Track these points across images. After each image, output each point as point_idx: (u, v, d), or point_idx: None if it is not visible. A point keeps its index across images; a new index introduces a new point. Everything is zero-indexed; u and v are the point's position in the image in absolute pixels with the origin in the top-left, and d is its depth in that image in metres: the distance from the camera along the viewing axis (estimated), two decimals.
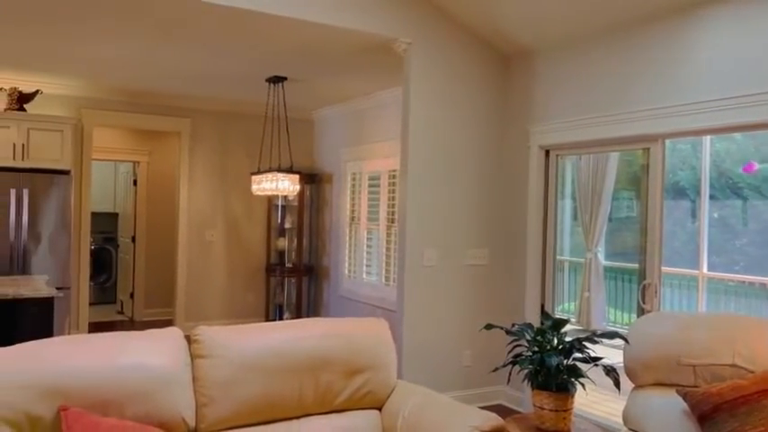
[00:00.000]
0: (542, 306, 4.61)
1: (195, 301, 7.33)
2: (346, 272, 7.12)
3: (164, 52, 5.07)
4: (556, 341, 2.51)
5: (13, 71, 5.90)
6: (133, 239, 8.11)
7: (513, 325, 2.72)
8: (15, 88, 5.95)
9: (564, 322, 2.50)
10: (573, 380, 2.45)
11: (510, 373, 2.70)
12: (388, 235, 6.32)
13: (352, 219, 7.06)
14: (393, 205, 6.27)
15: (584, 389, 2.59)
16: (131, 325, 7.78)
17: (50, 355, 2.10)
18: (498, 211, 4.92)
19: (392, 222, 6.27)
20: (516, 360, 2.54)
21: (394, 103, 6.25)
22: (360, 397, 2.61)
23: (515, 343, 2.69)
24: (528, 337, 2.54)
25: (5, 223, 5.70)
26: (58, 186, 5.91)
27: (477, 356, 4.82)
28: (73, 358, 2.11)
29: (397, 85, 6.00)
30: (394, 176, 6.25)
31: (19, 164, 5.79)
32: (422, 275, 4.56)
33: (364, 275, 6.77)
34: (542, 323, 2.60)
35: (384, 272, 6.38)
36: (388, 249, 6.33)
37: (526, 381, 2.55)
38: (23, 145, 5.82)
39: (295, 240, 7.47)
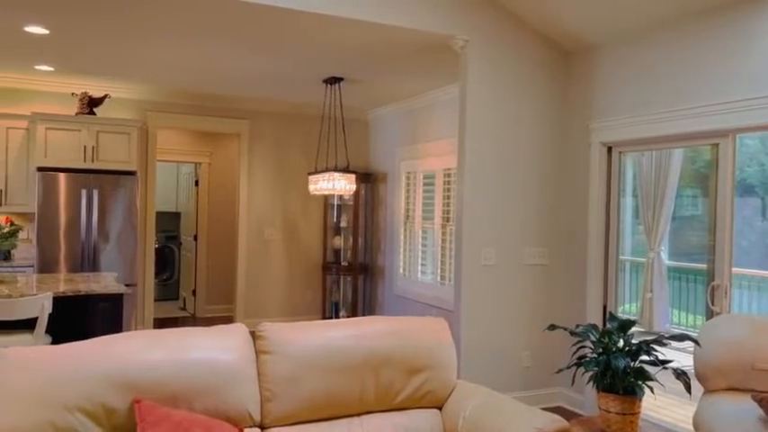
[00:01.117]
0: (605, 307, 4.49)
1: (254, 298, 7.49)
2: (401, 271, 7.13)
3: (225, 56, 5.20)
4: (622, 343, 2.45)
5: (84, 77, 6.17)
6: (195, 238, 8.35)
7: (577, 326, 2.66)
8: (86, 93, 6.22)
9: (631, 323, 2.43)
10: (640, 383, 2.38)
11: (574, 375, 2.65)
12: (443, 234, 6.29)
13: (407, 218, 7.06)
14: (448, 204, 6.24)
15: (653, 392, 2.51)
16: (193, 321, 8.02)
17: (124, 349, 2.18)
18: (558, 210, 4.83)
19: (447, 221, 6.24)
20: (581, 362, 2.48)
21: (449, 102, 6.22)
22: (420, 396, 2.61)
23: (579, 344, 2.63)
24: (593, 339, 2.49)
25: (77, 223, 5.97)
26: (124, 187, 6.15)
27: (537, 357, 4.75)
28: (145, 353, 2.18)
29: (452, 83, 5.97)
30: (449, 175, 6.22)
31: (89, 165, 6.06)
32: (479, 275, 4.52)
33: (419, 274, 6.77)
34: (605, 324, 2.54)
35: (439, 271, 6.35)
36: (443, 248, 6.31)
37: (591, 383, 2.49)
38: (93, 147, 6.08)
39: (350, 239, 7.53)
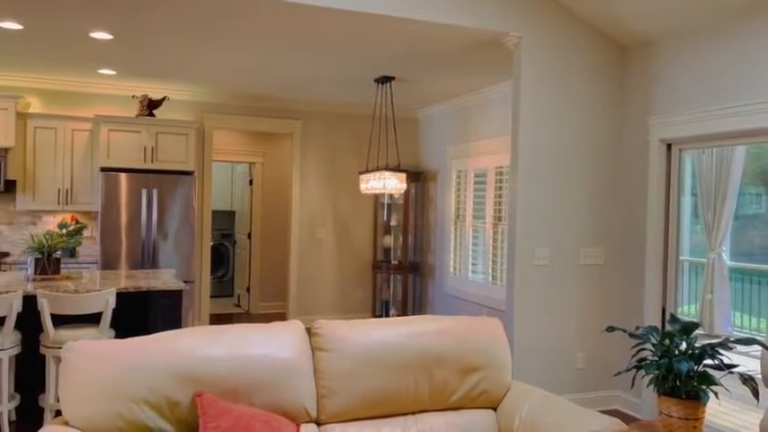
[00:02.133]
0: (663, 309, 4.37)
1: (306, 295, 7.60)
2: (451, 270, 7.10)
3: (279, 57, 5.29)
4: (685, 346, 2.38)
5: (144, 79, 6.38)
6: (249, 236, 8.52)
7: (637, 328, 2.60)
8: (146, 95, 6.43)
9: (694, 326, 2.35)
10: (704, 387, 2.31)
11: (634, 378, 2.59)
12: (495, 233, 6.24)
13: (458, 216, 7.02)
14: (500, 203, 6.17)
15: (717, 398, 2.43)
16: (248, 317, 8.19)
17: (187, 344, 2.24)
18: (614, 208, 4.72)
19: (499, 220, 6.18)
20: (641, 364, 2.42)
21: (501, 99, 6.16)
22: (475, 396, 2.60)
23: (639, 347, 2.57)
24: (654, 341, 2.42)
25: (137, 221, 6.18)
26: (182, 186, 6.33)
27: (592, 359, 4.65)
28: (207, 348, 2.24)
29: (504, 80, 5.91)
30: (501, 173, 6.16)
31: (149, 166, 6.26)
32: (533, 275, 4.46)
33: (470, 274, 6.72)
34: (663, 326, 2.47)
35: (491, 270, 6.30)
36: (494, 248, 6.25)
37: (650, 386, 2.43)
38: (153, 148, 6.29)
39: (400, 238, 7.55)
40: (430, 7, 4.07)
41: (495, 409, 2.67)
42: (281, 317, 7.81)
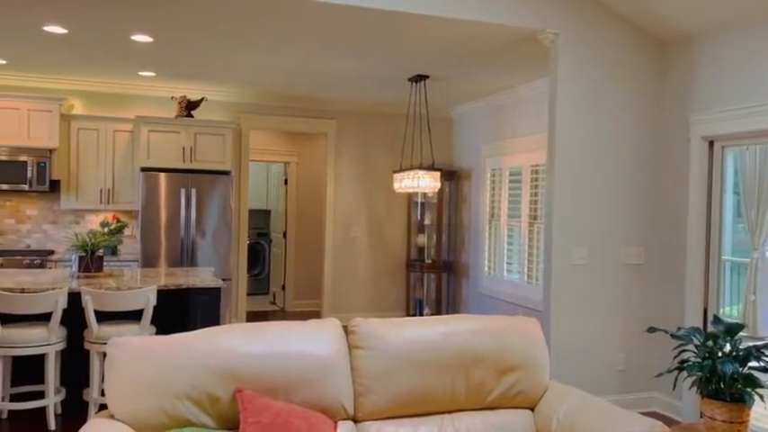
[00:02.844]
0: (705, 309, 4.27)
1: (341, 293, 7.65)
2: (486, 269, 7.06)
3: (314, 58, 5.34)
4: (729, 347, 2.32)
5: (183, 81, 6.50)
6: (284, 235, 8.61)
7: (679, 329, 2.55)
8: (184, 96, 6.55)
9: (739, 327, 2.30)
10: (750, 390, 2.25)
11: (676, 380, 2.54)
12: (531, 232, 6.18)
13: (492, 215, 6.98)
14: (535, 201, 6.12)
15: (763, 400, 2.37)
16: (283, 315, 8.28)
17: (227, 341, 2.27)
18: (654, 207, 4.63)
19: (535, 219, 6.12)
20: (683, 366, 2.37)
21: (536, 97, 6.09)
22: (511, 396, 2.59)
23: (681, 348, 2.52)
24: (696, 342, 2.37)
25: (177, 220, 6.31)
26: (219, 186, 6.44)
27: (631, 360, 4.58)
28: (246, 345, 2.27)
29: (539, 77, 5.85)
30: (536, 171, 6.10)
31: (187, 165, 6.39)
32: (570, 274, 4.41)
33: (505, 273, 6.68)
34: (705, 327, 2.41)
35: (526, 270, 6.24)
36: (530, 247, 6.19)
37: (693, 389, 2.38)
38: (191, 148, 6.41)
39: (434, 237, 7.53)
40: (466, 5, 4.05)
41: (532, 410, 2.65)
42: (316, 314, 7.87)
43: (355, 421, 2.42)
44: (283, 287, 8.63)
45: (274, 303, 9.06)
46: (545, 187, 4.53)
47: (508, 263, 6.64)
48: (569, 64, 4.37)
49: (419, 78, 5.96)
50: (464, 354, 2.51)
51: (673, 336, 2.48)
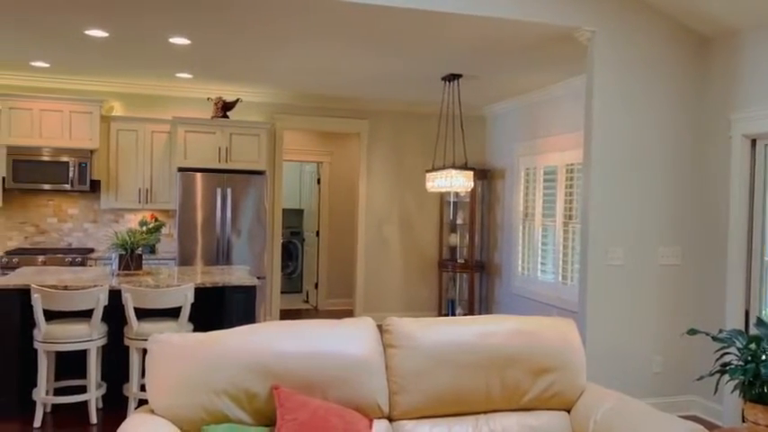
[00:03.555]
0: (747, 311, 4.16)
1: (373, 292, 7.67)
2: (519, 269, 7.00)
3: (347, 58, 5.36)
4: None
5: (219, 82, 6.61)
6: (317, 234, 8.68)
7: (720, 331, 2.50)
8: (220, 97, 6.66)
9: None
10: None
11: (717, 383, 2.48)
12: (565, 232, 6.10)
13: (526, 215, 6.92)
14: (570, 201, 6.04)
15: None
16: (316, 313, 8.35)
17: (264, 338, 2.30)
18: (693, 207, 4.53)
19: (569, 218, 6.05)
20: (725, 369, 2.32)
21: (571, 95, 6.02)
22: (547, 397, 2.57)
23: (723, 351, 2.46)
24: (739, 345, 2.32)
25: (213, 219, 6.41)
26: (254, 186, 6.52)
27: (668, 363, 4.49)
28: (283, 342, 2.30)
29: (574, 75, 5.78)
30: (571, 171, 6.03)
31: (223, 166, 6.49)
32: (606, 275, 4.34)
33: (539, 273, 6.61)
34: (747, 329, 2.35)
35: (561, 270, 6.17)
36: (564, 247, 6.12)
37: (735, 392, 2.33)
38: (227, 148, 6.51)
39: (467, 236, 7.50)
40: (501, 3, 4.03)
41: (568, 412, 2.62)
42: (348, 313, 7.91)
43: (390, 420, 2.43)
44: (316, 286, 8.70)
45: (307, 302, 9.14)
46: (581, 187, 4.47)
47: (542, 263, 6.58)
48: (606, 62, 4.31)
49: (452, 77, 5.94)
50: (499, 354, 2.50)
51: (714, 338, 2.43)
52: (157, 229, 5.02)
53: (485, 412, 2.54)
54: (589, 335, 4.32)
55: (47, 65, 5.97)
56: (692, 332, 2.55)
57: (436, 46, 4.90)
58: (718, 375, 2.37)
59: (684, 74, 4.48)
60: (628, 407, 2.44)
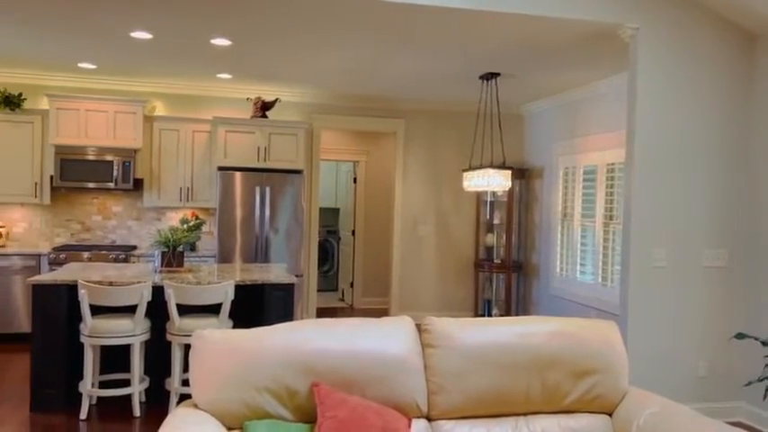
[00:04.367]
0: None
1: (408, 291, 7.67)
2: (558, 270, 6.91)
3: (385, 57, 5.37)
4: None
5: (258, 83, 6.69)
6: (353, 233, 8.72)
7: None
8: (259, 97, 6.74)
9: None
10: None
11: (767, 389, 2.41)
12: (606, 232, 6.00)
13: (565, 215, 6.82)
14: (611, 201, 5.94)
15: None
16: (351, 312, 8.39)
17: (304, 336, 2.32)
18: (740, 207, 4.40)
19: (610, 219, 5.94)
20: None
21: (612, 93, 5.91)
22: (589, 400, 2.53)
23: None
24: None
25: (251, 218, 6.50)
26: (292, 185, 6.59)
27: (714, 367, 4.38)
28: (323, 340, 2.31)
29: (616, 73, 5.68)
30: (612, 170, 5.92)
31: (262, 165, 6.57)
32: (649, 277, 4.26)
33: (578, 274, 6.51)
34: None
35: (600, 271, 6.07)
36: (605, 248, 6.01)
37: None
38: (265, 148, 6.59)
39: (503, 236, 7.44)
40: (541, 1, 3.98)
41: (610, 415, 2.58)
42: (384, 312, 7.93)
43: (429, 419, 2.43)
44: (351, 284, 8.74)
45: (343, 300, 9.19)
46: (623, 186, 4.39)
47: (581, 264, 6.48)
48: (650, 59, 4.22)
49: (490, 76, 5.90)
50: (540, 355, 2.47)
51: (764, 343, 2.36)
52: (198, 226, 5.11)
53: (524, 414, 2.52)
54: (630, 338, 4.24)
55: (93, 66, 6.13)
56: (740, 336, 2.48)
57: (475, 45, 4.87)
58: (767, 381, 2.29)
59: (731, 71, 4.35)
60: (672, 411, 2.39)
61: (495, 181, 5.96)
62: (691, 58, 4.27)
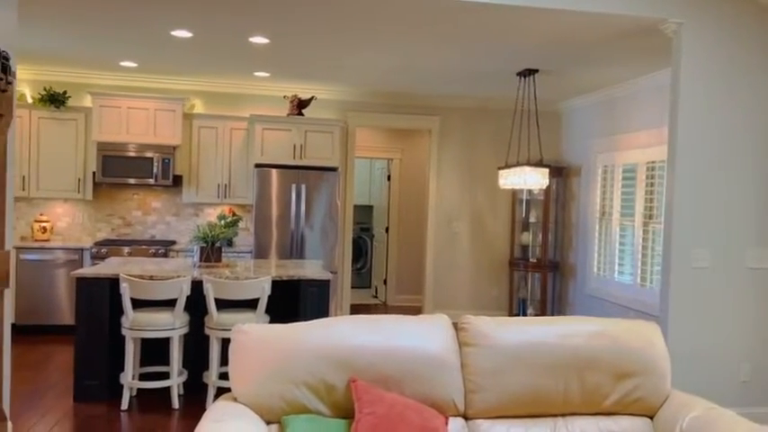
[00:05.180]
0: None
1: (442, 290, 7.65)
2: (595, 270, 6.80)
3: (422, 54, 5.36)
4: None
5: (294, 81, 6.75)
6: (386, 230, 8.73)
7: None
8: (296, 95, 6.80)
9: None
10: None
11: None
12: (645, 232, 5.88)
13: (603, 213, 6.71)
14: (651, 200, 5.82)
15: None
16: (384, 309, 8.40)
17: (341, 332, 2.33)
18: None
19: (650, 218, 5.82)
20: None
21: (654, 89, 5.79)
22: (629, 402, 2.48)
23: None
24: None
25: (287, 214, 6.56)
26: (327, 182, 6.62)
27: (758, 371, 4.25)
28: (360, 336, 2.32)
29: (657, 69, 5.56)
30: (652, 168, 5.80)
31: (297, 162, 6.62)
32: (691, 277, 4.15)
33: (616, 275, 6.40)
34: None
35: (639, 272, 5.95)
36: (644, 248, 5.90)
37: None
38: (301, 146, 6.64)
39: (539, 235, 7.35)
40: None
41: (651, 418, 2.53)
42: (417, 310, 7.92)
43: (466, 418, 2.42)
44: (385, 281, 8.75)
45: (376, 297, 9.21)
46: (664, 185, 4.30)
47: (620, 264, 6.37)
48: (694, 54, 4.11)
49: (528, 72, 5.83)
50: (580, 356, 2.44)
51: None
52: (235, 223, 5.18)
53: (563, 415, 2.48)
54: (671, 340, 4.14)
55: (135, 65, 6.26)
56: None
57: (514, 41, 4.82)
58: None
59: None
60: (717, 416, 2.33)
61: (532, 179, 5.89)
62: (737, 53, 4.15)
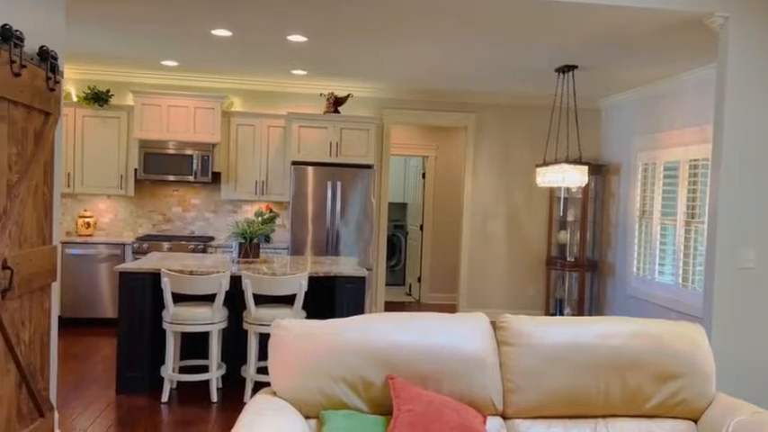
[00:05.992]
0: None
1: (476, 288, 7.60)
2: (634, 270, 6.67)
3: (458, 51, 5.33)
4: None
5: (331, 78, 6.78)
6: (421, 228, 8.71)
7: None
8: (332, 93, 6.83)
9: None
10: None
11: None
12: (687, 231, 5.74)
13: (643, 213, 6.57)
14: (694, 199, 5.67)
15: None
16: (418, 306, 8.39)
17: (380, 328, 2.34)
18: None
19: (692, 217, 5.68)
20: None
21: (697, 86, 5.65)
22: (672, 405, 2.43)
23: None
24: None
25: (323, 211, 6.61)
26: (362, 179, 6.64)
27: None
28: (398, 334, 2.32)
29: (701, 65, 5.42)
30: (695, 166, 5.66)
31: (333, 159, 6.66)
32: (736, 279, 4.04)
33: (656, 275, 6.27)
34: None
35: (681, 272, 5.82)
36: (686, 248, 5.76)
37: None
38: (337, 143, 6.67)
39: (577, 234, 7.24)
40: None
41: (695, 421, 2.47)
42: (452, 308, 7.89)
43: (504, 418, 2.40)
44: (419, 279, 8.74)
45: (410, 295, 9.20)
46: (708, 184, 4.19)
47: (660, 264, 6.23)
48: (741, 49, 3.99)
49: (567, 69, 5.75)
50: (621, 357, 2.40)
51: None
52: (272, 219, 5.24)
53: (603, 416, 2.45)
54: (714, 342, 4.04)
55: (175, 63, 6.38)
56: None
57: (552, 37, 4.76)
58: None
59: None
60: (763, 420, 2.26)
61: (571, 177, 5.81)
62: None
